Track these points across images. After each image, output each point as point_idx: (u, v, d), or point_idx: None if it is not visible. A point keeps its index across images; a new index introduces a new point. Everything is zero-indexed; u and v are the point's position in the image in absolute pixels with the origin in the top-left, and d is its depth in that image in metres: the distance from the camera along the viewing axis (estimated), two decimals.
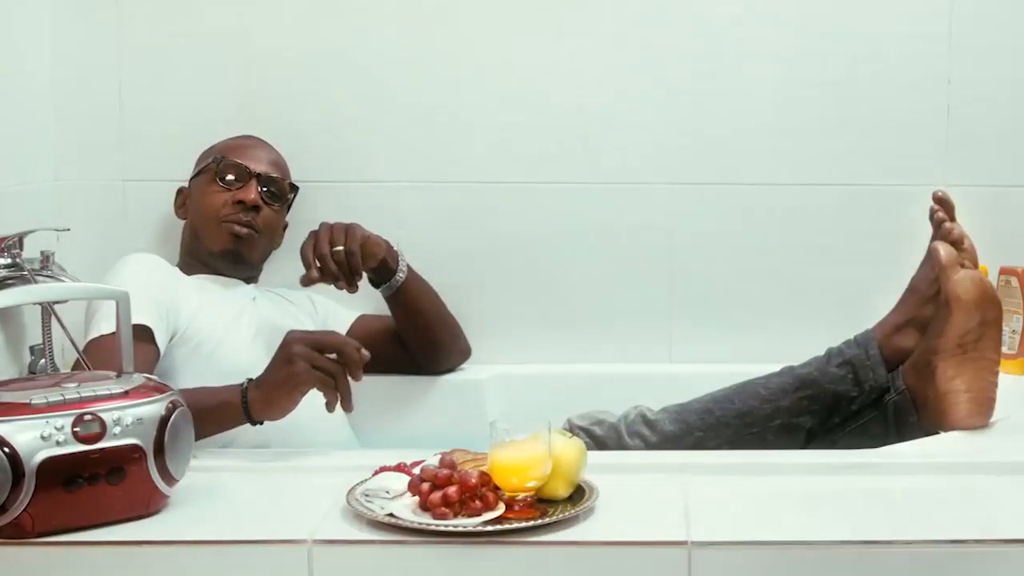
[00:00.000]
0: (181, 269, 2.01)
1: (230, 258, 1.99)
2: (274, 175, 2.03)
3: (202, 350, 1.83)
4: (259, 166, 2.02)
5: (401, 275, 2.01)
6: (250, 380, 1.65)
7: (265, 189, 2.01)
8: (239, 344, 1.87)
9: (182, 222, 2.09)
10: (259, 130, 2.11)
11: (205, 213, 1.99)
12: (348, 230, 1.91)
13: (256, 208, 1.98)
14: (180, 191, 2.09)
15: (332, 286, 1.90)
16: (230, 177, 1.99)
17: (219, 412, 1.63)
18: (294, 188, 2.08)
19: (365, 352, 1.63)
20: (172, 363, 1.81)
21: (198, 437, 1.48)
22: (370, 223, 2.10)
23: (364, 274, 1.96)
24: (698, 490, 1.48)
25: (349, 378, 1.61)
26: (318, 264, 1.88)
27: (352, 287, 1.91)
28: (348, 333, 2.12)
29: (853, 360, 1.86)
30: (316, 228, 1.92)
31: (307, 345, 1.62)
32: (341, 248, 1.89)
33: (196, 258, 2.01)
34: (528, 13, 2.19)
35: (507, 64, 2.20)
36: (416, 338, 2.09)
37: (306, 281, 1.88)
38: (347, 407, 1.62)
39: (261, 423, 1.66)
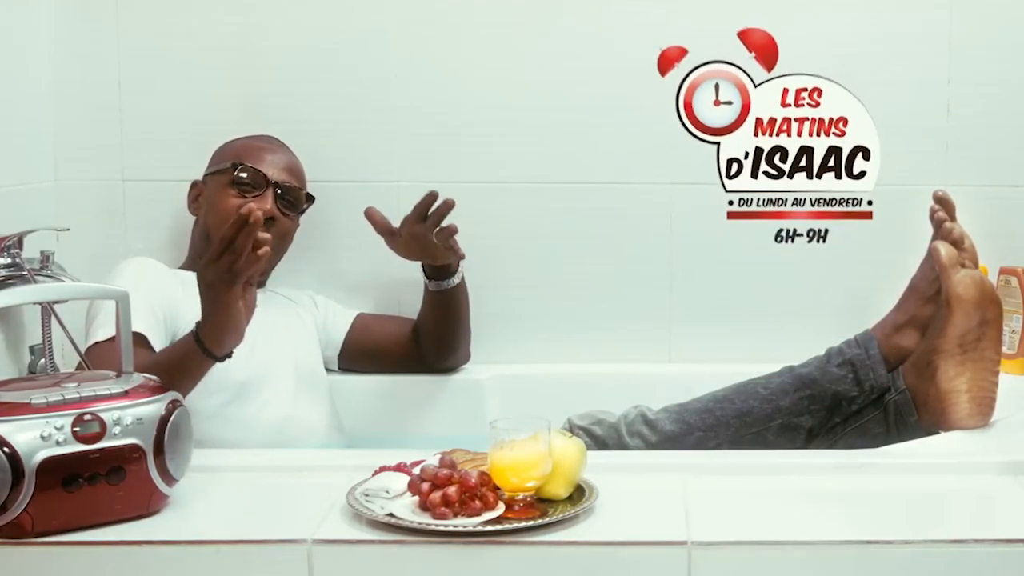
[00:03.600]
0: (188, 265, 2.01)
1: None
2: (291, 184, 2.01)
3: None
4: (276, 173, 2.00)
5: (455, 280, 2.03)
6: (198, 323, 1.61)
7: (281, 197, 2.00)
8: (235, 361, 1.84)
9: (183, 222, 2.09)
10: (260, 129, 2.10)
11: (219, 218, 1.96)
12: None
13: (271, 218, 1.97)
14: (194, 185, 2.07)
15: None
16: (246, 184, 1.98)
17: (184, 365, 1.61)
18: (310, 198, 2.07)
19: (252, 216, 1.53)
20: None
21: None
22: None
23: (421, 266, 2.03)
24: (698, 490, 1.48)
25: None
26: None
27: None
28: (347, 331, 2.13)
29: (853, 360, 1.86)
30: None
31: (207, 262, 1.56)
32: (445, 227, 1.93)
33: None
34: (528, 13, 2.19)
35: (507, 64, 2.19)
36: (437, 334, 2.11)
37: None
38: (261, 254, 1.56)
39: (227, 356, 1.63)
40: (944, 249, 1.80)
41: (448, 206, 1.93)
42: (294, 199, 2.02)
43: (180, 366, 1.60)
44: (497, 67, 2.20)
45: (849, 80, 2.19)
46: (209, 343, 1.59)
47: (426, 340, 2.11)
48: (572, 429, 1.86)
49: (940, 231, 1.85)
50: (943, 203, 1.87)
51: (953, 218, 1.86)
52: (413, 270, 2.07)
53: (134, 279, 1.81)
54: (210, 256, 1.56)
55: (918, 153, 2.20)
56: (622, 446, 1.85)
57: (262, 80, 2.20)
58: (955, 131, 2.19)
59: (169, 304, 1.83)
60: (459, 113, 2.20)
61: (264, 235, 1.56)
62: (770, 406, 1.85)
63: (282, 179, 2.00)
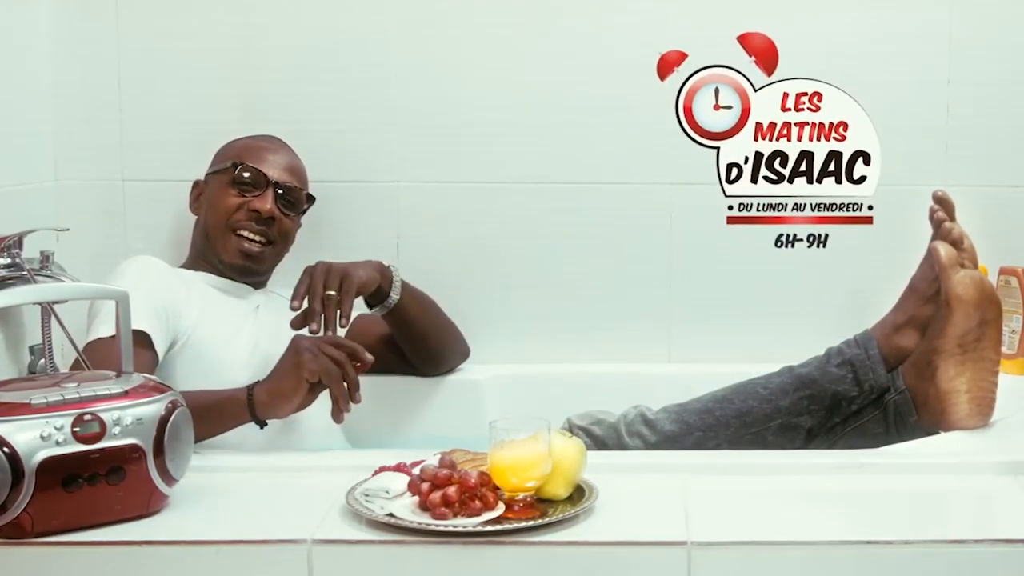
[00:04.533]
0: (189, 265, 2.00)
1: (239, 269, 1.97)
2: (292, 184, 2.00)
3: (199, 364, 1.82)
4: (277, 173, 1.98)
5: (394, 297, 1.98)
6: (257, 382, 1.67)
7: (281, 197, 1.98)
8: (236, 363, 1.85)
9: (184, 221, 2.08)
10: (260, 129, 2.10)
11: (218, 217, 1.96)
12: (344, 277, 1.82)
13: (271, 218, 1.96)
14: (196, 184, 2.06)
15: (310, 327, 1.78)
16: (247, 183, 1.97)
17: (221, 408, 1.65)
18: (311, 199, 2.06)
19: (370, 356, 1.67)
20: (172, 371, 1.80)
21: (197, 438, 1.49)
22: (370, 223, 2.11)
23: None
24: (698, 490, 1.48)
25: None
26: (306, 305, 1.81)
27: (332, 332, 1.79)
28: (346, 332, 2.12)
29: (853, 360, 1.86)
30: (313, 265, 1.84)
31: (319, 340, 1.66)
32: (333, 293, 1.81)
33: (205, 259, 1.99)
34: (528, 13, 2.19)
35: (507, 64, 2.19)
36: (413, 348, 2.09)
37: (297, 325, 1.79)
38: (354, 398, 1.65)
39: (264, 424, 1.66)
40: (944, 249, 1.81)
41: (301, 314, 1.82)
42: (294, 199, 2.02)
43: (213, 413, 1.64)
44: (497, 67, 2.20)
45: (849, 81, 2.19)
46: (259, 398, 1.64)
47: (411, 355, 2.10)
48: (572, 429, 1.87)
49: (940, 231, 1.85)
50: (943, 203, 1.87)
51: (953, 218, 1.86)
52: (412, 271, 2.06)
53: (136, 278, 1.81)
54: (326, 339, 1.66)
55: (918, 153, 2.20)
56: (622, 446, 1.85)
57: (262, 80, 2.20)
58: (955, 131, 2.19)
59: (172, 303, 1.83)
60: (459, 113, 2.20)
61: (350, 403, 1.64)
62: (770, 406, 1.85)
63: (283, 179, 1.99)
